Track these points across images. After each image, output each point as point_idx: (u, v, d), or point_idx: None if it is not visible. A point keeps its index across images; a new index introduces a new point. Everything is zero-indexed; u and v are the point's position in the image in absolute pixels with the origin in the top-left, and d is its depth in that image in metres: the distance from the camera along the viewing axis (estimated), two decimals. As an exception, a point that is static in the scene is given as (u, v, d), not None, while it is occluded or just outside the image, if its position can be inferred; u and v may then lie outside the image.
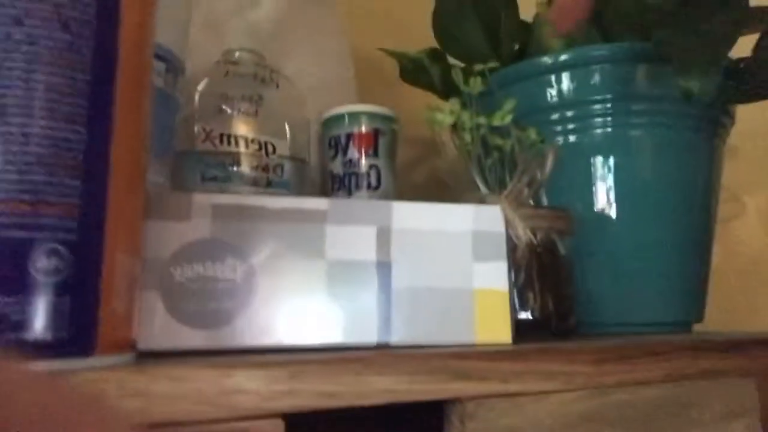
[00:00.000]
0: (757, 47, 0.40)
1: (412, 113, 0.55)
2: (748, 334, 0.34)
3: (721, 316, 0.58)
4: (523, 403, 0.25)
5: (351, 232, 0.28)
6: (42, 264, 0.19)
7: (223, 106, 0.48)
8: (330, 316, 0.27)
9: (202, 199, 0.27)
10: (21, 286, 0.18)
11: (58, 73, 0.20)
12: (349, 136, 0.56)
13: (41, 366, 0.18)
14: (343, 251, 0.28)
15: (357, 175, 0.54)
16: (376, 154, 0.55)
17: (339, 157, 0.56)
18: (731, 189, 0.79)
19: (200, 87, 0.49)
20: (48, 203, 0.19)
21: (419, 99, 0.58)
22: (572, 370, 0.27)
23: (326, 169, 0.56)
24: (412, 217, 0.29)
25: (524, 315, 0.36)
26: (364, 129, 0.56)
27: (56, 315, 0.19)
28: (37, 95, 0.20)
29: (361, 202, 0.29)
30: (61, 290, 0.19)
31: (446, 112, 0.35)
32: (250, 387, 0.21)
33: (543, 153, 0.35)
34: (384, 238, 0.29)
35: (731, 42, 0.35)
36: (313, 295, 0.27)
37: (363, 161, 0.55)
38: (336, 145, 0.56)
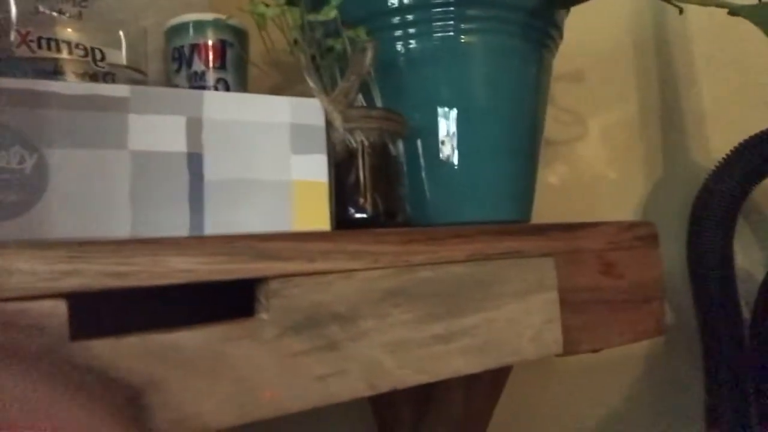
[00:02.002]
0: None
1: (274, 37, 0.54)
2: (550, 222, 0.37)
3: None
4: (329, 281, 0.27)
5: (158, 121, 0.27)
6: None
7: (41, 7, 0.44)
8: (135, 210, 0.27)
9: (-21, 83, 0.24)
10: None
11: None
12: (193, 48, 0.53)
13: None
14: (149, 141, 0.27)
15: (203, 89, 0.52)
16: (223, 67, 0.53)
17: (183, 70, 0.53)
18: (576, 111, 0.85)
19: (13, -15, 0.44)
20: None
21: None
22: (380, 250, 0.28)
23: (170, 83, 0.53)
24: (226, 107, 0.29)
25: (357, 214, 0.37)
26: (210, 40, 0.53)
27: None
28: None
29: (168, 90, 0.28)
30: None
31: (271, 5, 0.34)
32: (26, 267, 0.20)
33: (363, 48, 0.35)
34: (195, 128, 0.28)
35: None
36: (114, 188, 0.26)
37: (209, 74, 0.53)
38: (180, 57, 0.53)
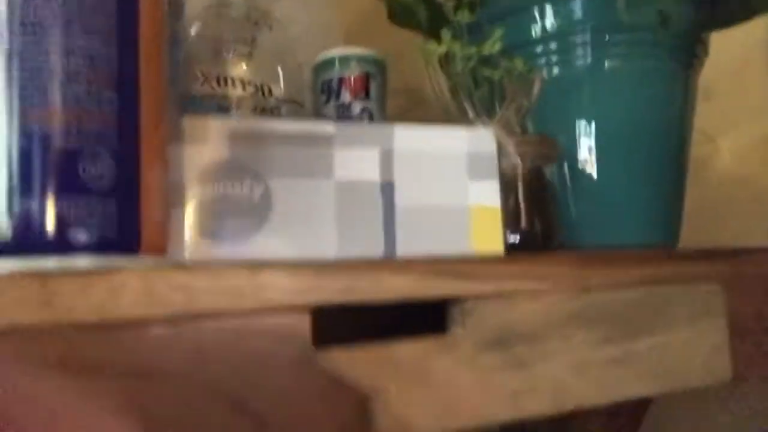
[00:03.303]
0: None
1: (403, 63, 0.57)
2: (715, 246, 0.37)
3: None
4: (516, 302, 0.28)
5: (356, 154, 0.31)
6: (89, 169, 0.21)
7: (218, 49, 0.49)
8: (340, 233, 0.30)
9: (218, 123, 0.29)
10: (73, 190, 0.20)
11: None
12: (340, 80, 0.57)
13: (97, 261, 0.20)
14: (350, 172, 0.30)
15: (350, 118, 0.56)
16: (367, 96, 0.57)
17: (332, 102, 0.57)
18: (705, 131, 0.82)
19: (193, 30, 0.50)
20: (89, 112, 0.21)
21: (411, 49, 0.59)
22: (561, 272, 0.30)
23: (319, 114, 0.58)
24: (413, 139, 0.32)
25: (512, 237, 0.39)
26: (355, 72, 0.57)
27: (105, 216, 0.21)
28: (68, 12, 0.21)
29: (365, 126, 0.31)
30: (109, 194, 0.21)
31: (438, 42, 0.37)
32: (281, 282, 0.23)
33: (529, 81, 0.37)
34: (387, 159, 0.31)
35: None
36: (323, 212, 0.30)
37: (355, 105, 0.57)
38: (328, 90, 0.58)
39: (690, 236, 0.57)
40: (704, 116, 0.81)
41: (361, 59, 0.57)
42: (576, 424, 0.51)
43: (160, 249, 0.23)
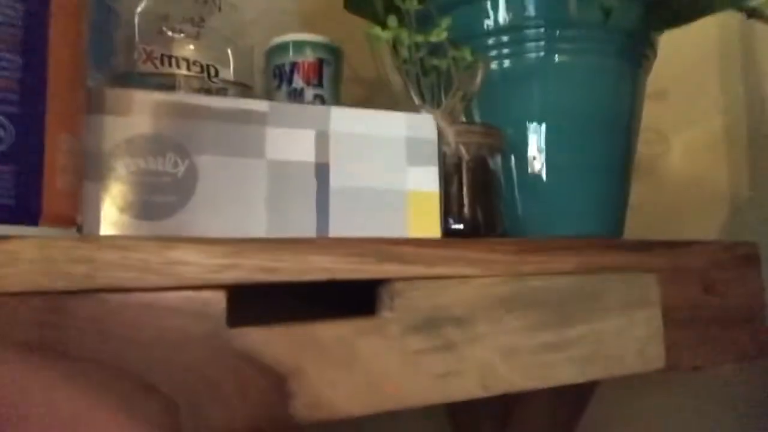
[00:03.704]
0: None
1: (359, 54, 0.56)
2: (653, 238, 0.37)
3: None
4: (447, 285, 0.28)
5: (291, 134, 0.30)
6: (-16, 134, 0.19)
7: (164, 28, 0.48)
8: (270, 212, 0.29)
9: (144, 96, 0.27)
10: (-36, 153, 0.19)
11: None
12: (293, 65, 0.56)
13: (-12, 229, 0.19)
14: (283, 152, 0.29)
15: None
16: (320, 83, 0.56)
17: (284, 87, 0.56)
18: (658, 129, 0.84)
19: (140, 8, 0.49)
20: (-12, 76, 0.20)
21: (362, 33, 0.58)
22: (493, 258, 0.29)
23: (271, 99, 0.57)
24: (350, 121, 0.31)
25: (456, 225, 0.39)
26: (309, 58, 0.56)
27: (1, 183, 0.19)
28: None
29: (300, 106, 0.30)
30: (4, 159, 0.20)
31: (385, 28, 0.36)
32: (194, 259, 0.22)
33: (474, 68, 0.37)
34: (322, 140, 0.30)
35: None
36: (253, 191, 0.29)
37: (308, 91, 0.56)
38: (280, 75, 0.57)
39: (641, 233, 0.58)
40: (658, 116, 0.82)
41: (315, 45, 0.56)
42: (519, 408, 0.51)
43: (66, 221, 0.22)
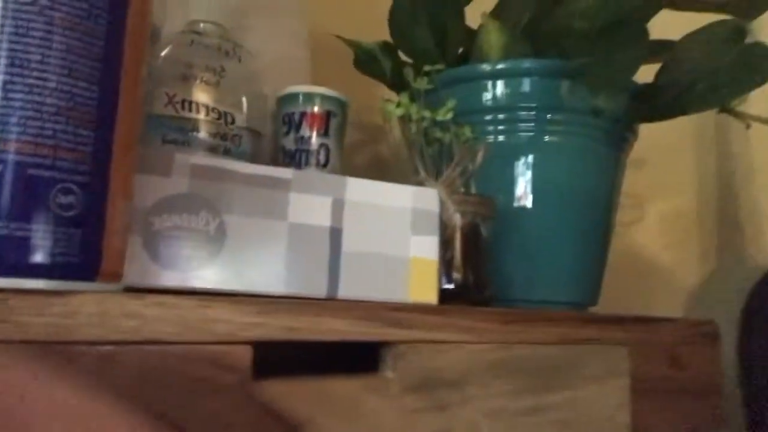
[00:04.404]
0: (658, 75, 0.48)
1: (360, 100, 0.60)
2: (626, 313, 0.41)
3: (617, 309, 0.67)
4: (444, 350, 0.31)
5: (310, 200, 0.33)
6: (59, 200, 0.22)
7: (187, 74, 0.51)
8: (288, 270, 0.32)
9: (183, 159, 0.30)
10: (43, 218, 0.22)
11: (76, 37, 0.23)
12: (302, 115, 0.60)
13: (56, 285, 0.22)
14: (303, 216, 0.32)
15: (307, 152, 0.58)
16: (326, 134, 0.60)
17: (292, 134, 0.59)
18: (635, 196, 0.89)
19: (164, 53, 0.52)
20: (65, 149, 0.22)
21: (368, 87, 0.62)
22: (484, 327, 0.33)
23: (278, 144, 0.60)
24: (363, 191, 0.34)
25: (448, 285, 0.42)
26: (317, 109, 0.60)
27: (69, 243, 0.22)
28: (55, 54, 0.23)
29: (320, 175, 0.34)
30: (74, 224, 0.22)
31: (397, 104, 0.40)
32: (226, 317, 0.25)
33: (475, 148, 0.40)
34: (338, 207, 0.33)
35: (635, 69, 0.42)
36: (274, 250, 0.32)
37: (314, 139, 0.59)
38: (289, 122, 0.60)
39: (610, 294, 0.62)
40: (635, 182, 0.88)
41: (324, 98, 0.59)
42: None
43: (117, 276, 0.24)
